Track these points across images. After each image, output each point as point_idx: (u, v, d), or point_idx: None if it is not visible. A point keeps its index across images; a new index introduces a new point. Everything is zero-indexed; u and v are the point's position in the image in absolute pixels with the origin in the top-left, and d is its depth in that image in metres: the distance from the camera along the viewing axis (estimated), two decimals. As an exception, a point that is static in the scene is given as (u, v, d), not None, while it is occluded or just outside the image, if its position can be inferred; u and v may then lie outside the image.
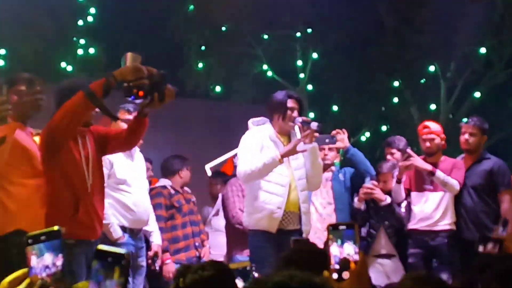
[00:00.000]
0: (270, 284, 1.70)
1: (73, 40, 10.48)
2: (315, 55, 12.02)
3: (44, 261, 1.71)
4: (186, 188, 6.56)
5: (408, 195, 5.98)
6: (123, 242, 5.27)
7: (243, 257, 6.07)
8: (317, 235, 5.77)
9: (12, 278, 1.75)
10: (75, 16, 10.47)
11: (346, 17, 10.82)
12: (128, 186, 5.36)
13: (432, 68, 11.91)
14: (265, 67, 11.98)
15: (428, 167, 5.81)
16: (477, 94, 11.88)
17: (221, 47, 11.75)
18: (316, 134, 5.10)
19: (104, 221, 4.89)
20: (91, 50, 10.46)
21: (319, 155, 5.33)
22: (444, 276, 5.55)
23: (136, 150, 5.56)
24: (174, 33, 11.34)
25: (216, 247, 6.69)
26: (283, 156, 5.02)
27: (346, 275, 2.08)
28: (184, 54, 11.77)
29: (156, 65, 3.82)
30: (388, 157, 6.42)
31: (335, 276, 2.09)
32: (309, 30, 11.89)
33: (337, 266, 2.09)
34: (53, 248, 1.71)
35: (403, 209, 6.00)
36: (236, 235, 6.14)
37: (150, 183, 6.40)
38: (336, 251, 2.10)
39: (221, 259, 6.30)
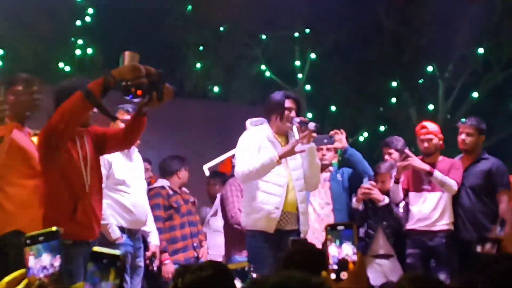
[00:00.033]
0: (268, 285, 1.70)
1: (71, 41, 10.47)
2: (313, 56, 12.01)
3: (42, 262, 1.71)
4: (184, 189, 6.56)
5: (406, 195, 5.99)
6: (121, 243, 5.28)
7: (241, 258, 6.07)
8: (315, 236, 5.77)
9: (10, 279, 1.75)
10: (73, 16, 10.45)
11: (344, 18, 10.81)
12: (127, 186, 5.36)
13: (430, 69, 11.91)
14: (263, 67, 11.97)
15: (426, 167, 5.82)
16: (475, 95, 11.88)
17: (219, 48, 11.74)
18: (314, 135, 5.11)
19: (102, 222, 4.90)
20: (89, 51, 10.45)
21: (316, 156, 5.33)
22: (442, 276, 5.55)
23: (135, 151, 5.56)
24: (172, 33, 11.32)
25: (214, 247, 6.69)
26: (281, 157, 5.02)
27: (344, 275, 2.08)
28: (182, 54, 11.76)
29: (154, 66, 3.82)
30: (386, 157, 6.43)
31: (333, 276, 2.09)
32: (307, 31, 11.89)
33: (335, 267, 2.09)
34: (51, 248, 1.71)
35: (401, 210, 6.01)
36: (235, 235, 6.14)
37: (149, 183, 6.39)
38: (335, 251, 2.10)
39: (220, 259, 6.31)
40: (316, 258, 2.61)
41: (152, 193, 6.17)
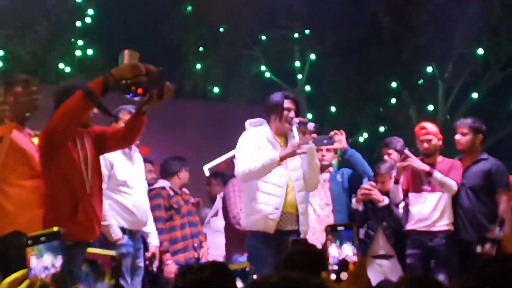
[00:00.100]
0: (267, 286, 1.70)
1: (71, 41, 10.47)
2: (313, 56, 12.01)
3: (44, 262, 1.71)
4: (184, 189, 6.56)
5: (406, 196, 5.99)
6: (122, 243, 5.28)
7: (242, 258, 6.06)
8: (315, 236, 5.77)
9: (11, 279, 1.75)
10: (73, 17, 10.46)
11: (343, 18, 10.81)
12: (128, 187, 5.36)
13: (429, 69, 11.91)
14: (263, 68, 11.97)
15: (426, 167, 5.82)
16: (475, 95, 11.88)
17: (219, 48, 11.75)
18: (314, 135, 5.11)
19: (104, 223, 4.91)
20: (89, 51, 10.45)
21: (316, 156, 5.33)
22: (442, 277, 5.56)
23: (135, 151, 5.56)
24: (172, 34, 11.34)
25: (214, 248, 6.68)
26: (282, 158, 5.02)
27: (344, 276, 2.09)
28: (182, 55, 11.76)
29: (154, 66, 3.82)
30: (385, 157, 6.43)
31: (333, 277, 2.10)
32: (307, 31, 11.89)
33: (335, 267, 2.09)
34: (53, 249, 1.72)
35: (401, 210, 6.01)
36: (236, 236, 6.12)
37: (153, 184, 6.39)
38: (335, 252, 2.10)
39: (220, 260, 6.30)
40: (316, 259, 2.61)
41: (153, 194, 6.17)
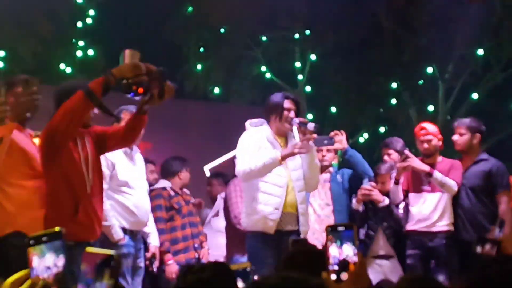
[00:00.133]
0: (266, 286, 1.71)
1: (72, 42, 10.47)
2: (313, 57, 12.01)
3: (46, 262, 1.72)
4: (185, 190, 6.56)
5: (406, 196, 5.99)
6: (123, 244, 5.28)
7: (244, 259, 6.05)
8: (315, 236, 5.78)
9: (14, 279, 1.76)
10: (74, 18, 10.46)
11: (344, 19, 10.81)
12: (130, 188, 5.36)
13: (430, 70, 11.91)
14: (263, 68, 11.97)
15: (426, 168, 5.83)
16: (475, 96, 11.87)
17: (219, 49, 11.75)
18: (314, 136, 5.12)
19: (105, 223, 4.93)
20: (90, 52, 10.45)
21: (316, 156, 5.33)
22: (442, 277, 5.56)
23: (136, 151, 5.56)
24: (173, 34, 11.33)
25: (215, 248, 6.68)
26: (283, 158, 5.03)
27: (344, 276, 2.09)
28: (183, 55, 11.76)
29: (155, 66, 3.83)
30: (385, 158, 6.44)
31: (333, 277, 2.10)
32: (308, 32, 11.89)
33: (336, 267, 2.10)
34: (55, 249, 1.72)
35: (401, 210, 6.01)
36: (237, 236, 6.12)
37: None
38: (335, 252, 2.11)
39: (221, 260, 6.30)
40: (316, 259, 2.61)
41: (154, 194, 6.17)
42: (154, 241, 5.89)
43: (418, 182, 5.93)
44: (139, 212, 5.41)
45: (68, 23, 10.31)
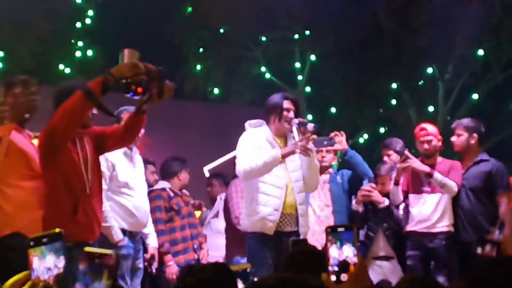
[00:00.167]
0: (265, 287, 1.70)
1: (71, 43, 10.47)
2: (313, 57, 12.02)
3: (46, 263, 1.72)
4: (184, 191, 6.56)
5: (406, 197, 5.98)
6: (123, 245, 5.27)
7: (244, 260, 6.04)
8: (315, 237, 5.77)
9: (14, 281, 1.76)
10: (74, 18, 10.46)
11: (344, 19, 10.81)
12: (130, 189, 5.34)
13: (430, 70, 11.91)
14: (263, 69, 11.98)
15: (426, 168, 5.82)
16: (475, 96, 11.88)
17: (219, 49, 11.75)
18: (314, 136, 5.11)
19: (105, 224, 4.93)
20: (89, 53, 10.45)
21: (315, 157, 5.32)
22: (442, 278, 5.55)
23: (136, 152, 5.55)
24: (173, 35, 11.34)
25: (215, 249, 6.67)
26: (283, 156, 5.02)
27: (344, 277, 2.09)
28: (183, 56, 11.77)
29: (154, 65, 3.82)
30: (385, 158, 6.43)
31: (333, 278, 2.09)
32: (307, 32, 11.89)
33: (336, 268, 2.09)
34: (55, 250, 1.72)
35: (401, 211, 6.00)
36: (238, 236, 6.10)
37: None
38: (335, 253, 2.10)
39: (221, 261, 6.29)
40: (316, 260, 2.60)
41: (153, 195, 6.16)
42: (152, 242, 5.88)
43: (418, 183, 5.93)
44: (139, 213, 5.40)
45: (67, 24, 10.31)
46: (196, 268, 2.31)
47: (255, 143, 5.11)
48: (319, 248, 4.30)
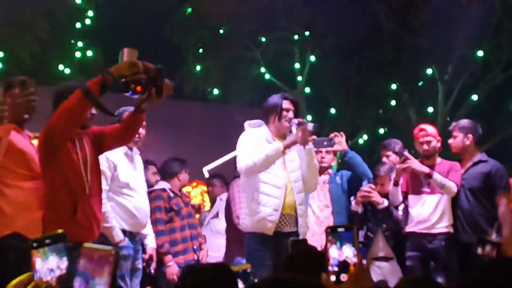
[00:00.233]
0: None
1: (71, 43, 10.47)
2: (313, 58, 12.02)
3: (49, 264, 1.72)
4: (184, 191, 6.55)
5: (405, 198, 5.98)
6: (123, 246, 5.26)
7: (245, 261, 6.03)
8: (314, 238, 5.76)
9: (17, 282, 1.76)
10: (73, 18, 10.46)
11: (344, 20, 10.81)
12: (130, 189, 5.33)
13: (429, 71, 11.91)
14: (262, 69, 11.97)
15: (426, 169, 5.82)
16: (475, 97, 11.87)
17: (219, 50, 11.75)
18: (314, 137, 5.11)
19: (106, 224, 4.93)
20: (89, 53, 10.45)
21: (315, 157, 5.32)
22: (441, 279, 5.55)
23: (136, 153, 5.55)
24: (172, 35, 11.34)
25: (215, 249, 6.67)
26: (286, 147, 5.01)
27: (344, 277, 2.08)
28: (182, 56, 11.77)
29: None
30: (384, 159, 6.43)
31: (333, 278, 2.09)
32: (307, 33, 11.89)
33: (336, 269, 2.09)
34: (58, 251, 1.72)
35: (400, 212, 6.00)
36: (239, 237, 6.08)
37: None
38: (335, 253, 2.10)
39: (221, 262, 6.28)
40: (316, 260, 2.60)
41: (153, 196, 6.16)
42: (151, 242, 5.87)
43: (417, 184, 5.92)
44: (139, 214, 5.39)
45: (67, 24, 10.32)
46: (197, 268, 2.31)
47: (255, 142, 5.11)
48: (319, 249, 4.31)
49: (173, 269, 6.03)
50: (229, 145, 6.26)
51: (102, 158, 4.79)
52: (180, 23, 11.58)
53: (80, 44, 10.46)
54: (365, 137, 12.23)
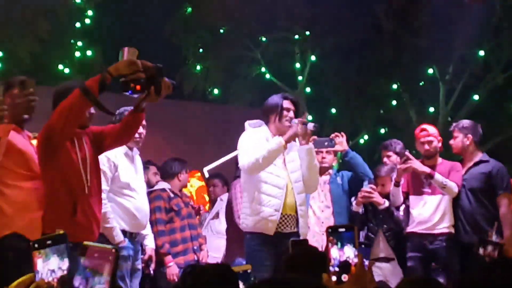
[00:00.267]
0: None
1: (70, 43, 10.47)
2: (313, 58, 12.02)
3: (50, 265, 1.72)
4: (184, 192, 6.54)
5: (406, 198, 5.97)
6: (123, 246, 5.25)
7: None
8: (315, 239, 5.75)
9: (18, 282, 1.76)
10: (73, 18, 10.46)
11: (344, 20, 10.82)
12: (131, 190, 5.32)
13: (430, 71, 11.92)
14: (263, 69, 11.97)
15: (427, 169, 5.81)
16: (476, 97, 11.88)
17: (219, 50, 11.75)
18: (314, 137, 5.09)
19: (107, 225, 4.91)
20: (89, 53, 10.45)
21: (315, 157, 5.31)
22: (442, 280, 5.54)
23: (136, 153, 5.54)
24: (172, 35, 11.34)
25: (215, 250, 6.66)
26: (287, 141, 5.00)
27: (345, 278, 2.08)
28: (182, 56, 11.77)
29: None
30: (385, 160, 6.42)
31: (334, 278, 2.08)
32: (307, 33, 11.89)
33: (337, 269, 2.08)
34: (59, 252, 1.72)
35: (401, 213, 5.99)
36: (240, 237, 6.06)
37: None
38: (336, 253, 2.09)
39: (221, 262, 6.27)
40: (317, 260, 2.59)
41: (153, 196, 6.15)
42: (150, 243, 5.86)
43: (418, 184, 5.91)
44: (140, 215, 5.38)
45: (66, 24, 10.31)
46: (198, 269, 2.30)
47: (255, 141, 5.09)
48: (320, 249, 4.29)
49: (173, 269, 6.02)
50: (229, 145, 6.26)
51: (103, 158, 4.78)
52: (180, 23, 11.58)
53: (80, 43, 10.46)
54: (365, 137, 12.24)
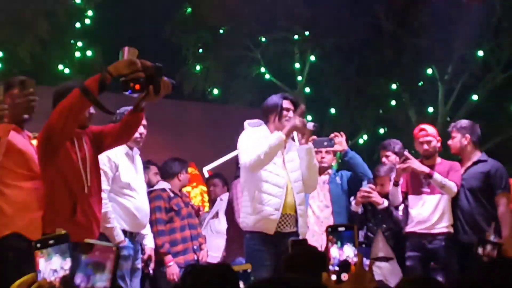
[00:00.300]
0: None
1: (70, 43, 10.47)
2: (313, 58, 12.02)
3: (52, 265, 1.72)
4: (184, 191, 6.55)
5: (405, 198, 5.98)
6: (123, 246, 5.25)
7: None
8: (314, 238, 5.75)
9: (20, 282, 1.76)
10: (73, 18, 10.46)
11: (344, 20, 10.82)
12: (131, 190, 5.32)
13: (430, 71, 11.92)
14: (262, 69, 11.98)
15: (426, 169, 5.81)
16: (475, 97, 11.88)
17: (218, 50, 11.75)
18: (314, 137, 5.09)
19: (108, 225, 4.90)
20: (89, 53, 10.46)
21: (314, 156, 5.31)
22: (441, 279, 5.54)
23: (137, 153, 5.54)
24: (172, 35, 11.34)
25: (214, 250, 6.66)
26: (286, 134, 5.00)
27: (345, 277, 2.08)
28: (182, 56, 11.77)
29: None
30: (384, 160, 6.42)
31: (334, 278, 2.09)
32: (307, 33, 11.89)
33: (336, 268, 2.09)
34: (61, 252, 1.73)
35: (400, 212, 6.00)
36: (241, 237, 6.05)
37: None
38: (336, 253, 2.10)
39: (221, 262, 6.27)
40: (317, 260, 2.60)
41: (153, 196, 6.15)
42: (149, 243, 5.86)
43: (417, 184, 5.92)
44: (140, 215, 5.38)
45: (66, 24, 10.32)
46: (198, 268, 2.31)
47: (255, 140, 5.09)
48: (319, 249, 4.30)
49: (173, 269, 6.02)
50: (229, 145, 6.26)
51: (104, 158, 4.78)
52: (180, 23, 11.59)
53: (80, 44, 10.46)
54: (365, 137, 12.24)
